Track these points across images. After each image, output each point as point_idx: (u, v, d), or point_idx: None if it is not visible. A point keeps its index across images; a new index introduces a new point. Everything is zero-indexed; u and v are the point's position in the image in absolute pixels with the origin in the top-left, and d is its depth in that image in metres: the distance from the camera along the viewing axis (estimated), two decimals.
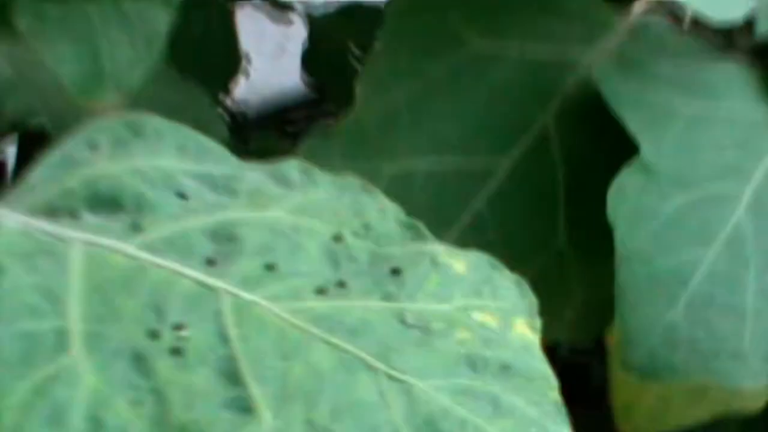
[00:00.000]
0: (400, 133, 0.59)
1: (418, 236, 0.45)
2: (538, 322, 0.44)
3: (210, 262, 0.44)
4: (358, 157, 0.58)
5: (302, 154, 0.58)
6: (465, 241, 0.60)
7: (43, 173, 0.48)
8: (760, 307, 0.52)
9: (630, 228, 0.52)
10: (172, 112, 0.71)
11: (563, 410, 0.42)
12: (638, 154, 0.54)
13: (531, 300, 0.44)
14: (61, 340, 0.41)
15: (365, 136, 0.58)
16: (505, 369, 0.42)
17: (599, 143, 0.60)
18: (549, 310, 0.63)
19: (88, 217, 0.46)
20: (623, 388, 0.61)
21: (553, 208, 0.60)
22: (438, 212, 0.59)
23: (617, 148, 0.58)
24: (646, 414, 0.60)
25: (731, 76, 0.58)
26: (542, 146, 0.60)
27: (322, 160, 0.58)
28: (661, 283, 0.52)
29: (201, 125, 0.72)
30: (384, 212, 0.46)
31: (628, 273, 0.51)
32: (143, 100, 0.70)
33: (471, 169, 0.60)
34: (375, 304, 0.43)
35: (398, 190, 0.59)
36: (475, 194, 0.59)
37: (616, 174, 0.57)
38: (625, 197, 0.52)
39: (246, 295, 0.43)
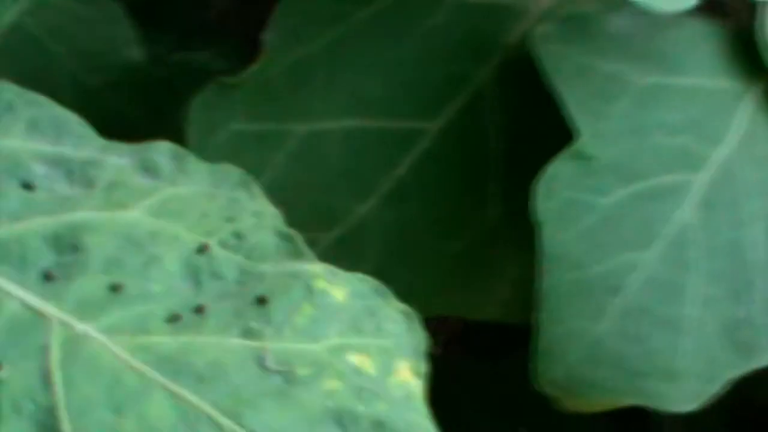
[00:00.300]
0: (313, 89, 0.51)
1: (294, 252, 0.39)
2: (423, 366, 0.38)
3: (46, 278, 0.38)
4: (263, 117, 0.51)
5: (196, 112, 0.51)
6: (384, 211, 0.54)
7: None
8: (701, 321, 0.46)
9: (557, 227, 0.45)
10: (80, 27, 0.64)
11: None
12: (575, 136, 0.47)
13: (419, 337, 0.38)
14: None
15: (272, 92, 0.51)
16: (379, 426, 0.36)
17: (542, 107, 0.53)
18: (479, 289, 0.58)
19: None
20: None
21: (486, 178, 0.53)
22: (355, 179, 0.52)
23: (563, 114, 0.52)
24: None
25: (696, 39, 0.51)
26: (476, 108, 0.53)
27: (220, 119, 0.52)
28: (590, 291, 0.46)
29: (112, 43, 0.66)
30: (261, 217, 0.40)
31: (552, 279, 0.45)
32: (46, 12, 0.63)
33: (394, 131, 0.53)
34: (233, 341, 0.37)
35: (310, 155, 0.53)
36: (397, 160, 0.53)
37: (560, 144, 0.51)
38: (554, 191, 0.45)
39: (80, 326, 0.36)
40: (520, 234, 0.55)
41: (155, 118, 0.65)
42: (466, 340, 0.79)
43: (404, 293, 0.56)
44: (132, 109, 0.65)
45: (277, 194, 0.53)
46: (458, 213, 0.54)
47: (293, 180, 0.52)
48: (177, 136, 0.56)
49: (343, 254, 0.54)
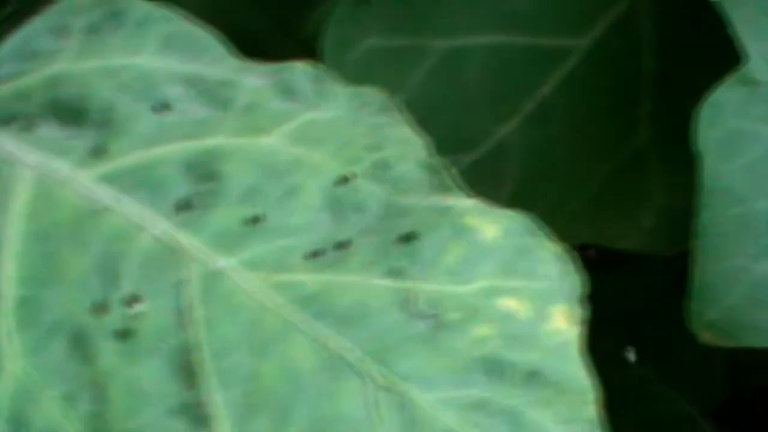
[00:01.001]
0: (455, 2, 0.49)
1: (443, 184, 0.37)
2: (579, 311, 0.35)
3: (182, 207, 0.36)
4: (400, 32, 0.49)
5: (329, 28, 0.49)
6: (527, 133, 0.51)
7: None
8: None
9: (720, 158, 0.42)
10: None
11: (600, 429, 0.34)
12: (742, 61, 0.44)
13: (575, 280, 0.36)
14: None
15: (410, 5, 0.49)
16: (532, 376, 0.34)
17: (703, 23, 0.49)
18: (624, 217, 0.55)
19: (45, 131, 0.38)
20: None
21: (635, 98, 0.50)
22: (496, 98, 0.50)
23: (729, 33, 0.48)
24: None
25: None
26: (628, 24, 0.50)
27: (355, 34, 0.49)
28: (753, 228, 0.43)
29: None
30: (406, 146, 0.38)
31: (712, 214, 0.42)
32: None
33: (540, 49, 0.50)
34: (377, 282, 0.35)
35: (449, 73, 0.50)
36: (542, 78, 0.50)
37: (723, 64, 0.48)
38: (718, 120, 0.42)
39: (219, 261, 0.35)
40: (669, 158, 0.52)
41: (281, 30, 0.63)
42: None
43: (544, 219, 0.54)
44: (256, 20, 0.63)
45: (413, 114, 0.51)
46: (605, 135, 0.51)
47: (431, 99, 0.50)
48: (303, 49, 0.54)
49: (481, 177, 0.52)
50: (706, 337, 0.43)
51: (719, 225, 0.42)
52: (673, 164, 0.51)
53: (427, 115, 0.51)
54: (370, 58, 0.49)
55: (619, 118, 0.51)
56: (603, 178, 0.51)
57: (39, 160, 0.37)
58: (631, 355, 0.74)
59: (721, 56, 0.48)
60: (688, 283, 0.44)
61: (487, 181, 0.52)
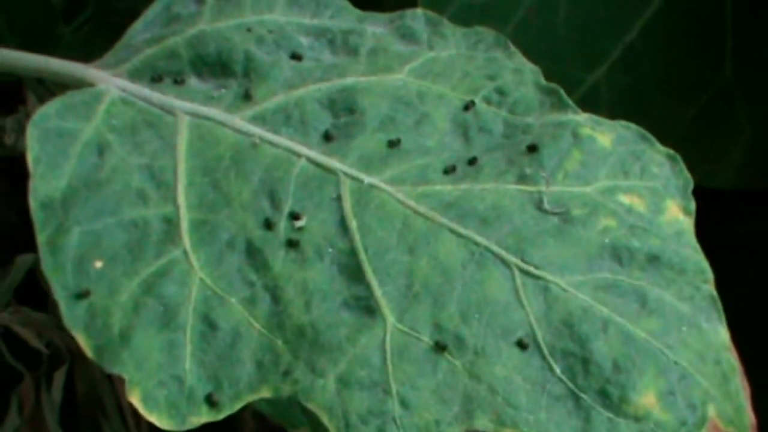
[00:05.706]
0: None
1: (558, 103, 0.43)
2: (692, 204, 0.41)
3: (327, 138, 0.43)
4: None
5: None
6: (614, 78, 0.57)
7: (142, 30, 0.46)
8: None
9: None
10: None
11: (719, 305, 0.40)
12: None
13: (685, 178, 0.42)
14: (169, 229, 0.40)
15: None
16: (654, 260, 0.40)
17: None
18: (712, 154, 0.61)
19: (194, 83, 0.45)
20: None
21: (718, 37, 0.57)
22: (583, 46, 0.56)
23: None
24: None
25: None
26: None
27: None
28: None
29: None
30: (520, 73, 0.44)
31: None
32: None
33: None
34: (509, 187, 0.41)
35: (538, 23, 0.57)
36: (626, 24, 0.56)
37: None
38: None
39: (367, 178, 0.41)
40: (756, 93, 0.58)
41: None
42: None
43: None
44: None
45: None
46: (690, 76, 0.57)
47: (522, 50, 0.56)
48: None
49: None
50: None
51: None
52: (759, 97, 0.57)
53: None
54: (465, 13, 0.55)
55: (703, 56, 0.57)
56: (692, 116, 0.57)
57: (194, 107, 0.43)
58: None
59: None
60: None
61: None
